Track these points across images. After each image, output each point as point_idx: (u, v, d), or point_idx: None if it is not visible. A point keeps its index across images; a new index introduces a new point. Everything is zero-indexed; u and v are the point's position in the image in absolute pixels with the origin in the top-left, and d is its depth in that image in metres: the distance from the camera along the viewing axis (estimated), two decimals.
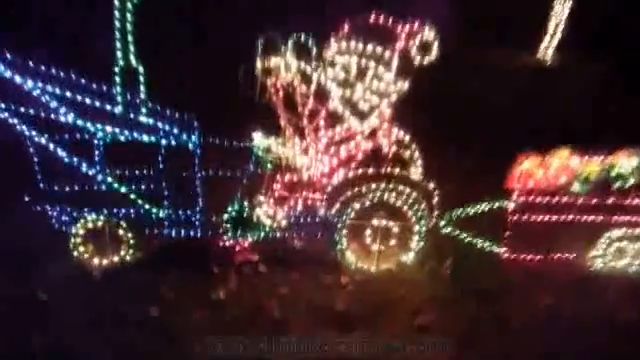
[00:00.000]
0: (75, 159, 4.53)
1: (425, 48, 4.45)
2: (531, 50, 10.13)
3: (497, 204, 5.07)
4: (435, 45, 4.46)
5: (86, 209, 4.73)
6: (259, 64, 4.68)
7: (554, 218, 5.02)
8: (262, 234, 4.94)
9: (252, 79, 4.71)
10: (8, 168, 5.18)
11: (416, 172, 4.94)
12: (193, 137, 4.62)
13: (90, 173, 4.58)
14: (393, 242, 5.05)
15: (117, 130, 4.47)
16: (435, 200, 5.01)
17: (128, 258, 4.88)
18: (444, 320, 4.42)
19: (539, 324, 4.43)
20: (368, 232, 4.99)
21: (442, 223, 5.13)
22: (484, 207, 5.08)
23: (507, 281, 4.94)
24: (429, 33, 4.44)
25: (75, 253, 4.81)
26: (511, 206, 4.99)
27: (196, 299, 4.49)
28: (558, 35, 10.12)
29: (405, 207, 4.91)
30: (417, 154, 4.92)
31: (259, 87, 4.73)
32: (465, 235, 5.19)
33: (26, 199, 4.73)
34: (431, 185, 4.96)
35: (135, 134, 4.49)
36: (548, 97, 7.81)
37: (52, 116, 4.39)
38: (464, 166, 6.07)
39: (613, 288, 4.93)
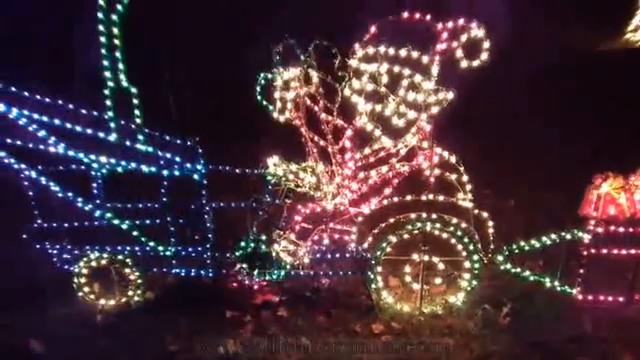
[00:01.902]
0: (70, 193, 4.02)
1: (473, 49, 3.58)
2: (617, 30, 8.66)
3: (568, 236, 4.12)
4: (486, 45, 3.58)
5: (88, 247, 4.25)
6: (276, 76, 3.99)
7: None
8: (282, 273, 4.27)
9: (269, 94, 4.05)
10: (9, 203, 4.76)
11: (465, 198, 4.09)
12: (198, 165, 4.00)
13: (87, 208, 4.06)
14: (439, 281, 4.27)
15: (113, 161, 3.92)
16: (490, 231, 4.16)
17: (136, 299, 4.35)
18: None
19: None
20: (408, 269, 4.21)
21: (499, 258, 4.23)
22: (552, 239, 4.14)
23: (581, 331, 4.00)
24: (477, 31, 3.57)
25: (80, 294, 4.34)
26: (586, 238, 4.05)
27: (204, 351, 3.88)
28: None
29: (453, 240, 4.10)
30: (466, 177, 4.07)
31: (276, 103, 4.05)
32: (528, 273, 4.28)
33: (24, 236, 4.29)
34: (484, 213, 4.11)
35: (133, 164, 3.93)
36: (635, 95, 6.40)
37: (41, 147, 3.89)
38: (526, 189, 5.07)
39: None
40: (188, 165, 4.00)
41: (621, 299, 4.20)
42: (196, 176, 4.03)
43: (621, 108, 5.89)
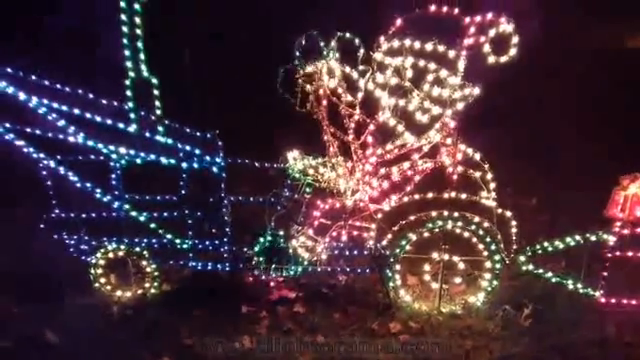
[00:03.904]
0: (88, 184, 3.99)
1: (501, 44, 3.49)
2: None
3: (593, 237, 4.02)
4: (514, 40, 3.49)
5: (105, 238, 4.22)
6: (298, 69, 3.93)
7: None
8: (299, 269, 4.21)
9: (290, 87, 3.98)
10: (25, 194, 4.75)
11: (488, 197, 4.01)
12: (217, 158, 3.95)
13: (105, 199, 4.03)
14: (459, 280, 4.19)
15: (132, 152, 3.88)
16: (513, 231, 4.08)
17: (152, 292, 4.32)
18: None
19: None
20: (427, 268, 4.14)
21: (521, 259, 4.15)
22: (576, 240, 4.05)
23: (604, 335, 3.91)
24: (505, 26, 3.48)
25: (96, 285, 4.31)
26: (611, 240, 3.95)
27: (219, 346, 3.84)
28: None
29: (474, 239, 4.02)
30: (490, 175, 3.99)
31: (298, 96, 3.99)
32: (551, 274, 4.18)
33: (41, 227, 4.27)
34: (508, 212, 4.02)
35: (152, 156, 3.89)
36: None
37: (60, 136, 3.86)
38: (550, 189, 4.96)
39: None
40: (207, 158, 3.95)
41: None
42: (215, 169, 3.98)
43: None
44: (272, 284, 4.34)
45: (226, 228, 4.16)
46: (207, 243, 4.19)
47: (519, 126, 5.47)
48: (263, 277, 4.27)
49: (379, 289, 4.32)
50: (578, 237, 4.05)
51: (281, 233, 4.17)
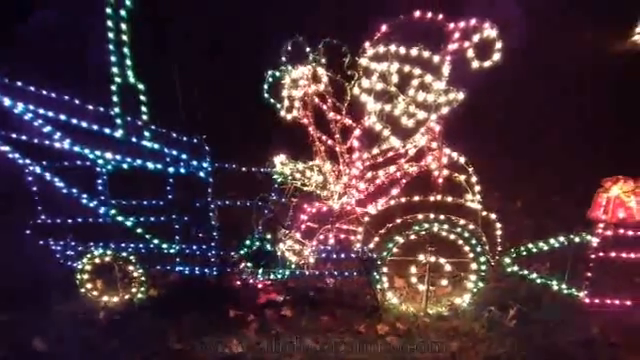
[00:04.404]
0: (75, 190, 3.98)
1: (485, 49, 3.53)
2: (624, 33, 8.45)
3: (577, 239, 4.08)
4: (498, 45, 3.54)
5: (92, 244, 4.22)
6: (284, 75, 3.95)
7: None
8: (287, 272, 4.23)
9: (277, 92, 4.00)
10: (11, 200, 4.72)
11: (473, 200, 4.05)
12: (204, 163, 3.96)
13: (92, 205, 4.02)
14: (445, 282, 4.24)
15: (119, 157, 3.88)
16: (497, 233, 4.12)
17: (139, 297, 4.32)
18: None
19: None
20: (414, 270, 4.18)
21: (506, 261, 4.20)
22: (560, 242, 4.11)
23: (589, 335, 3.96)
24: (489, 31, 3.52)
25: (83, 291, 4.31)
26: (594, 241, 4.01)
27: (207, 351, 3.84)
28: None
29: (460, 241, 4.06)
30: (474, 178, 4.03)
31: (284, 101, 4.01)
32: (535, 276, 4.24)
33: (27, 232, 4.25)
34: (492, 215, 4.07)
35: (139, 161, 3.88)
36: None
37: (46, 142, 3.85)
38: (534, 191, 5.02)
39: None
40: (194, 162, 3.95)
41: (629, 303, 4.16)
42: (202, 174, 3.99)
43: (633, 110, 5.83)
44: (260, 288, 4.35)
45: (213, 232, 4.17)
46: (194, 247, 4.20)
47: (504, 130, 5.53)
48: (251, 281, 4.28)
49: (367, 292, 4.34)
50: (562, 239, 4.10)
51: (269, 237, 4.18)
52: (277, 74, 4.03)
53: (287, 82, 3.96)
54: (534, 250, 4.17)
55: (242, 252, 4.20)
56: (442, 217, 4.01)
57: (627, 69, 6.62)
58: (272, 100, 4.12)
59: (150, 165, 3.93)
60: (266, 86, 4.10)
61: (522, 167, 5.23)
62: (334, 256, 4.26)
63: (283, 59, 3.94)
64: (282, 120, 4.09)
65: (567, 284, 4.22)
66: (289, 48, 3.87)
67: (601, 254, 4.04)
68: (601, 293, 4.16)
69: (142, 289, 4.33)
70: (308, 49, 3.85)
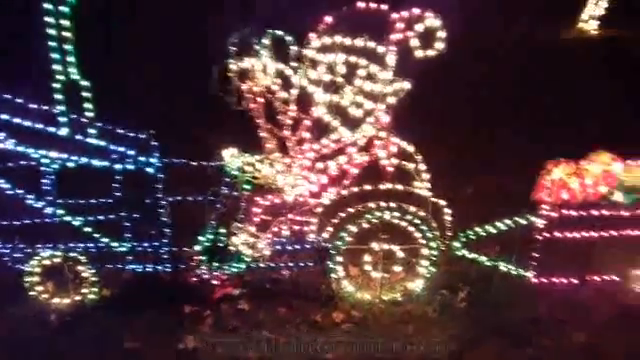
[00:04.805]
0: (20, 190, 3.87)
1: (428, 39, 3.58)
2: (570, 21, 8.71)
3: (523, 221, 4.21)
4: (441, 34, 3.60)
5: (40, 245, 4.10)
6: (232, 67, 3.92)
7: (592, 235, 4.16)
8: (242, 266, 4.22)
9: (226, 85, 3.97)
10: None
11: (422, 187, 4.13)
12: (152, 159, 3.91)
13: (38, 205, 3.92)
14: (398, 268, 4.31)
15: (64, 156, 3.79)
16: (447, 218, 4.22)
17: (91, 297, 4.24)
18: None
19: None
20: (368, 258, 4.24)
21: (456, 245, 4.31)
22: (507, 225, 4.24)
23: (537, 313, 4.12)
24: (432, 20, 3.58)
25: (32, 294, 4.20)
26: (540, 222, 4.15)
27: (163, 348, 3.82)
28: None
29: (411, 228, 4.13)
30: (423, 166, 4.10)
31: (234, 94, 3.98)
32: (484, 258, 4.36)
33: None
34: (441, 201, 4.16)
35: (85, 159, 3.80)
36: (585, 83, 6.43)
37: None
38: (481, 177, 5.14)
39: None
40: (142, 158, 3.89)
41: (575, 281, 4.33)
42: (150, 169, 3.94)
43: (573, 95, 6.04)
44: (215, 282, 4.33)
45: (165, 229, 4.12)
46: (146, 245, 4.14)
47: (451, 117, 5.64)
48: (206, 276, 4.26)
49: (323, 281, 4.38)
50: (508, 221, 4.23)
51: (222, 231, 4.16)
52: (225, 67, 3.99)
53: (235, 75, 3.93)
54: (482, 233, 4.29)
55: (195, 247, 4.16)
56: (393, 205, 4.07)
57: (573, 55, 6.87)
58: (221, 93, 4.07)
59: (96, 163, 3.85)
60: (214, 79, 4.05)
61: (470, 153, 5.34)
62: (289, 248, 4.27)
63: (231, 51, 3.90)
64: (232, 113, 4.05)
65: (515, 265, 4.35)
66: (236, 40, 3.83)
67: (547, 235, 4.18)
68: (548, 272, 4.31)
69: (94, 289, 4.25)
70: (255, 41, 3.83)
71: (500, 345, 3.84)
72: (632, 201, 4.09)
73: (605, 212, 4.13)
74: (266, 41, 3.81)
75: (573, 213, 4.13)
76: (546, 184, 4.09)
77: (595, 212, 4.12)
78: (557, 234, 4.17)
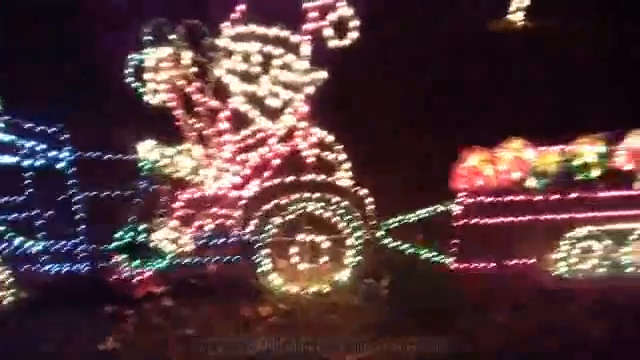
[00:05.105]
0: None
1: (341, 28, 3.63)
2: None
3: (441, 208, 4.32)
4: (354, 23, 3.65)
5: None
6: (146, 58, 3.84)
7: (508, 220, 4.31)
8: (165, 262, 4.13)
9: (141, 76, 3.88)
10: None
11: (344, 177, 4.17)
12: (63, 154, 3.77)
13: None
14: (324, 259, 4.32)
15: None
16: (369, 208, 4.27)
17: (7, 300, 4.05)
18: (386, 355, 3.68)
19: (498, 347, 3.71)
20: (294, 249, 4.24)
21: (379, 234, 4.37)
22: (427, 212, 4.34)
23: (457, 298, 4.21)
24: (345, 9, 3.62)
25: None
26: (457, 209, 4.26)
27: (83, 350, 3.68)
28: None
29: (334, 218, 4.17)
30: (343, 156, 4.14)
31: (149, 85, 3.90)
32: (406, 246, 4.45)
33: None
34: (363, 191, 4.21)
35: None
36: (497, 73, 6.69)
37: None
38: (401, 166, 5.24)
39: (580, 296, 4.28)
40: (53, 153, 3.75)
41: (494, 265, 4.47)
42: (62, 164, 3.80)
43: (490, 86, 6.27)
44: (138, 280, 4.22)
45: (81, 226, 3.99)
46: (62, 244, 3.99)
47: (372, 107, 5.73)
48: (127, 274, 4.14)
49: (249, 275, 4.34)
50: (428, 209, 4.33)
51: (142, 227, 4.06)
52: (139, 58, 3.91)
53: (150, 66, 3.85)
54: (404, 222, 4.37)
55: (114, 245, 4.04)
56: (316, 195, 4.09)
57: (496, 46, 7.08)
58: (136, 84, 3.99)
59: (5, 159, 3.68)
60: (129, 71, 3.96)
61: (392, 142, 5.44)
62: (213, 242, 4.21)
63: (145, 42, 3.82)
64: (148, 104, 3.97)
65: (437, 252, 4.46)
66: (149, 30, 3.76)
67: (465, 221, 4.29)
68: (469, 258, 4.43)
69: (10, 292, 4.06)
70: (169, 31, 3.77)
71: (421, 331, 3.91)
72: (544, 186, 4.26)
73: (520, 197, 4.28)
74: (180, 31, 3.75)
75: (489, 199, 4.26)
76: (461, 172, 4.21)
77: (510, 197, 4.27)
78: (474, 221, 4.29)
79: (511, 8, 8.84)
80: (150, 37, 3.80)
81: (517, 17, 9.03)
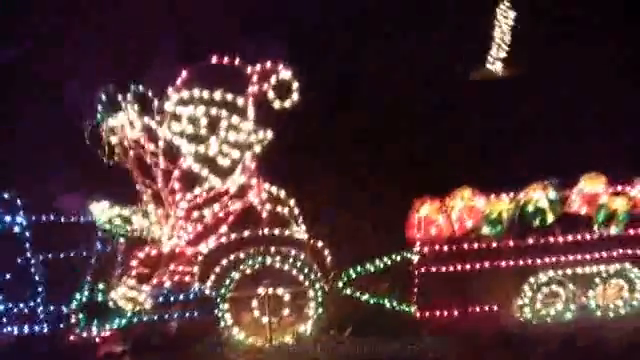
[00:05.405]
0: None
1: (283, 90, 3.74)
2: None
3: (399, 257, 4.34)
4: (294, 85, 3.76)
5: None
6: (101, 122, 3.98)
7: (468, 267, 4.31)
8: (124, 321, 4.17)
9: (97, 140, 4.01)
10: None
11: (299, 230, 4.22)
12: (18, 218, 3.87)
13: None
14: (286, 311, 4.33)
15: None
16: (328, 260, 4.31)
17: None
18: None
19: None
20: (255, 303, 4.25)
21: (339, 285, 4.39)
22: (386, 262, 4.35)
23: (420, 345, 4.20)
24: (285, 72, 3.75)
25: None
26: (415, 258, 4.28)
27: None
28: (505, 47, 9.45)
29: (294, 270, 4.19)
30: (297, 210, 4.20)
31: (105, 148, 4.02)
32: (368, 296, 4.45)
33: None
34: (320, 243, 4.26)
35: None
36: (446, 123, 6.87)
37: None
38: (358, 217, 5.28)
39: (547, 341, 4.25)
40: (7, 218, 3.85)
41: (456, 313, 4.45)
42: (17, 229, 3.89)
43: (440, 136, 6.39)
44: (98, 340, 4.25)
45: (39, 287, 4.06)
46: (20, 306, 4.05)
47: (324, 161, 5.83)
48: (85, 334, 4.18)
49: (213, 330, 4.35)
50: (385, 258, 4.35)
51: (100, 287, 4.12)
52: (95, 122, 4.04)
53: (105, 129, 3.98)
54: (362, 272, 4.38)
55: (72, 305, 4.09)
56: (272, 249, 4.13)
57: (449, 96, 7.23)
58: (94, 148, 4.11)
59: None
60: (86, 134, 4.09)
61: (345, 194, 5.49)
62: (172, 299, 4.25)
63: (99, 107, 3.96)
64: (107, 166, 4.08)
65: (398, 301, 4.45)
66: (103, 96, 3.90)
67: (423, 269, 4.30)
68: (431, 306, 4.41)
69: None
70: (120, 96, 3.90)
71: None
72: (498, 233, 4.27)
73: (475, 245, 4.29)
74: (130, 96, 3.89)
75: (445, 248, 4.27)
76: (414, 221, 4.23)
77: (467, 245, 4.28)
78: (433, 268, 4.29)
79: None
80: (104, 102, 3.92)
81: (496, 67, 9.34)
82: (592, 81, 7.20)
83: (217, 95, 3.78)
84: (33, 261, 4.01)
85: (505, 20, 9.41)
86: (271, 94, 3.77)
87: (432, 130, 6.24)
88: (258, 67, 3.74)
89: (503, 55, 9.46)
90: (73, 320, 4.14)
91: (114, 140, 4.01)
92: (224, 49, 3.67)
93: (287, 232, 4.21)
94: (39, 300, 4.07)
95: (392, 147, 5.97)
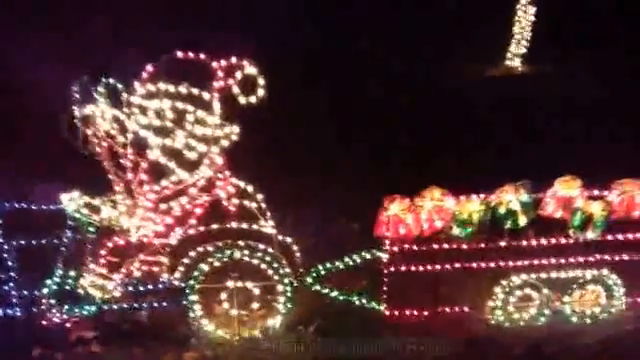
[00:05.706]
0: None
1: (248, 85, 3.74)
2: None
3: (368, 255, 4.32)
4: (260, 81, 3.75)
5: None
6: (76, 113, 4.03)
7: (437, 267, 4.27)
8: (93, 308, 4.26)
9: (73, 130, 4.07)
10: None
11: (267, 225, 4.23)
12: None
13: None
14: (255, 305, 4.36)
15: None
16: (296, 255, 4.31)
17: None
18: None
19: None
20: (224, 296, 4.29)
21: (309, 280, 4.39)
22: (353, 259, 4.33)
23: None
24: (250, 68, 3.74)
25: None
26: (384, 257, 4.25)
27: None
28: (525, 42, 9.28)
29: (263, 265, 4.22)
30: (264, 205, 4.21)
31: (80, 139, 4.08)
32: (337, 293, 4.45)
33: None
34: (288, 238, 4.26)
35: None
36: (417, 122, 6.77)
37: None
38: (328, 213, 5.25)
39: (512, 342, 4.20)
40: None
41: (426, 313, 4.42)
42: None
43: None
44: (70, 325, 4.35)
45: (11, 272, 4.16)
46: None
47: (293, 156, 5.81)
48: (56, 319, 4.28)
49: (183, 321, 4.41)
50: (355, 256, 4.33)
51: (70, 273, 4.21)
52: (72, 113, 4.08)
53: (79, 120, 4.04)
54: (332, 269, 4.38)
55: (44, 290, 4.20)
56: (241, 243, 4.16)
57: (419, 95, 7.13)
58: (70, 138, 4.16)
59: None
60: (63, 124, 4.14)
61: (314, 189, 5.47)
62: (142, 288, 4.32)
63: (74, 99, 4.01)
64: (82, 156, 4.14)
65: (368, 298, 4.44)
66: (77, 88, 3.95)
67: (393, 268, 4.27)
68: (400, 305, 4.39)
69: None
70: (93, 89, 3.95)
71: None
72: (468, 234, 4.21)
73: (446, 245, 4.24)
74: (101, 89, 3.92)
75: (414, 247, 4.23)
76: (384, 220, 4.20)
77: (436, 246, 4.23)
78: (402, 268, 4.27)
79: None
80: (78, 94, 3.97)
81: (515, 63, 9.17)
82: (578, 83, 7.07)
83: (183, 89, 3.78)
84: (5, 247, 4.10)
85: (524, 15, 9.25)
86: (236, 89, 3.76)
87: (409, 128, 6.17)
88: (223, 62, 3.73)
89: (523, 51, 9.30)
90: (44, 306, 4.24)
91: (88, 131, 4.05)
92: (191, 44, 3.67)
93: (255, 226, 4.21)
94: (10, 285, 4.17)
95: (363, 143, 5.93)
